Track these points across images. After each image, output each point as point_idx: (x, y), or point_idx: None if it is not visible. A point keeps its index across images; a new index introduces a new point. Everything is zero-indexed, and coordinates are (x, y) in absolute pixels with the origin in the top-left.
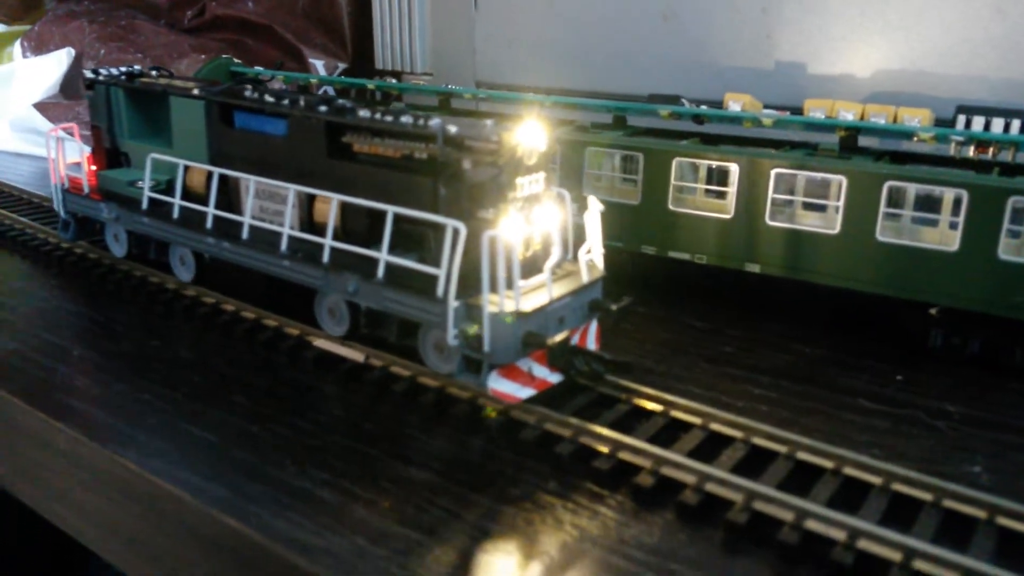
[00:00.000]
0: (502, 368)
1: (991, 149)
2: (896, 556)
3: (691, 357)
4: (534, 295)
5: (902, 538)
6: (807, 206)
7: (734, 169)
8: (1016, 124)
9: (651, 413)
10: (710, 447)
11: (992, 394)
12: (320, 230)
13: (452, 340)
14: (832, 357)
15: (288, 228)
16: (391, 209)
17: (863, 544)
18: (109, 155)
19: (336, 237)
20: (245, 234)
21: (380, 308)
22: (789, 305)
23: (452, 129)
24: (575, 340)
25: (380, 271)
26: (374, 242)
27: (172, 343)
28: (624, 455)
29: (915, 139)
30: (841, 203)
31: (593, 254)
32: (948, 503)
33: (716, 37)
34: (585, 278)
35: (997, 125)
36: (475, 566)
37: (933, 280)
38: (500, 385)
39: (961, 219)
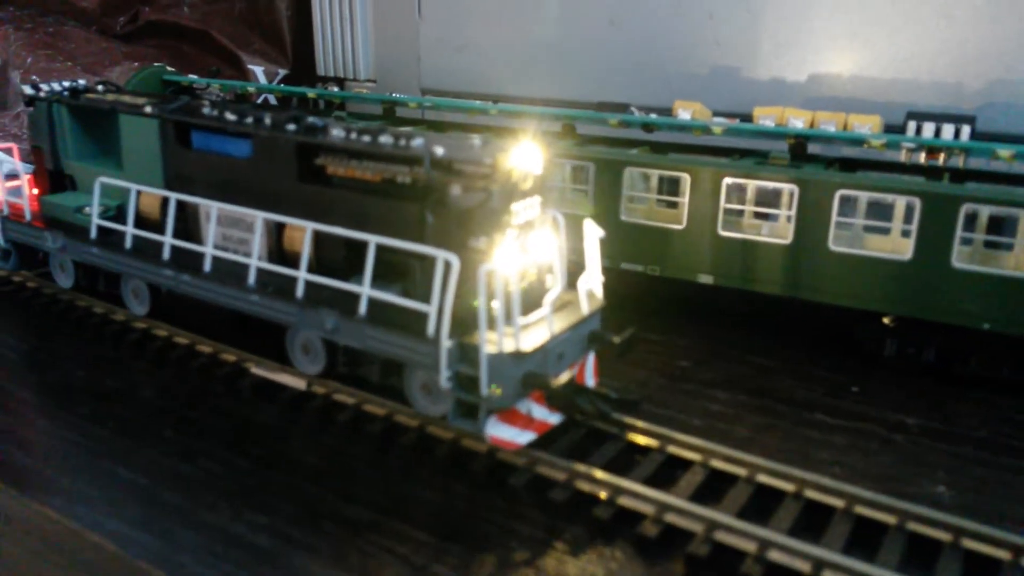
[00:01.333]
0: (501, 412)
1: (941, 155)
2: None
3: (648, 372)
4: (533, 331)
5: (868, 568)
6: (759, 216)
7: (686, 179)
8: (966, 130)
9: (608, 436)
10: (667, 472)
11: (948, 404)
12: (291, 260)
13: (445, 383)
14: (787, 369)
15: (256, 259)
16: (373, 239)
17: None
18: (52, 178)
19: (310, 268)
20: (207, 266)
21: (362, 347)
22: (743, 316)
23: (439, 151)
24: (573, 376)
25: (362, 307)
26: (352, 274)
27: (98, 373)
28: (582, 484)
29: (865, 146)
30: (793, 212)
31: (592, 282)
32: (913, 526)
33: (664, 43)
34: (585, 309)
35: (947, 131)
36: None
37: (887, 289)
38: (499, 431)
39: (914, 227)
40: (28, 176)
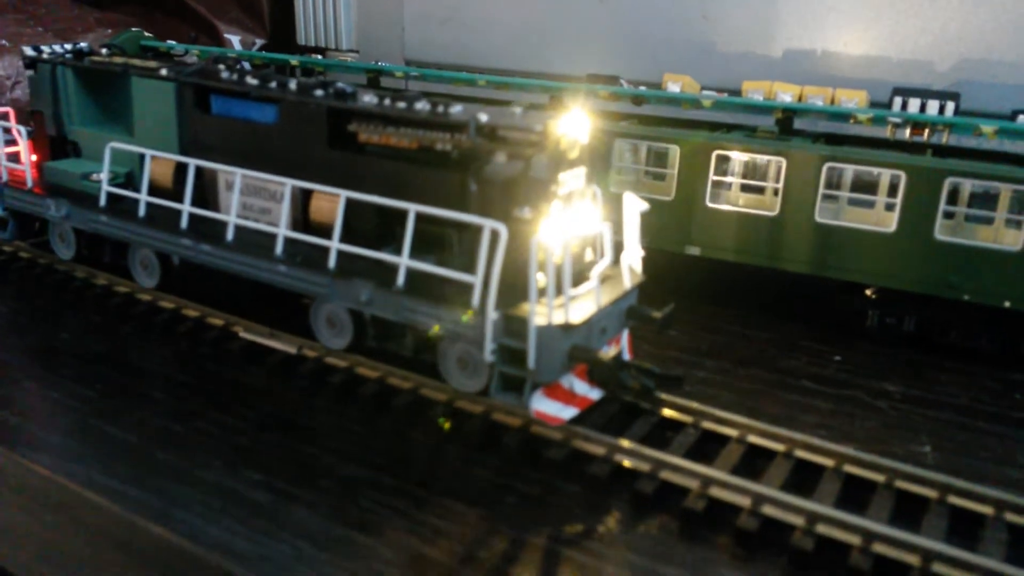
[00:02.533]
0: (546, 386)
1: (926, 130)
2: (856, 540)
3: (638, 340)
4: (579, 304)
5: (862, 521)
6: (746, 188)
7: (674, 151)
8: (951, 106)
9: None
10: (660, 433)
11: (928, 372)
12: (316, 230)
13: (489, 356)
14: (771, 338)
15: (284, 228)
16: (413, 208)
17: (822, 528)
18: (54, 144)
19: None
20: (230, 235)
21: (398, 319)
22: (727, 287)
23: (483, 117)
24: (621, 350)
25: (400, 278)
26: (383, 244)
27: (82, 336)
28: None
29: (852, 120)
30: (780, 185)
31: (633, 257)
32: (901, 484)
33: (652, 16)
34: (627, 283)
35: (932, 107)
36: (426, 566)
37: (871, 261)
38: (543, 406)
39: (899, 200)
40: (27, 141)
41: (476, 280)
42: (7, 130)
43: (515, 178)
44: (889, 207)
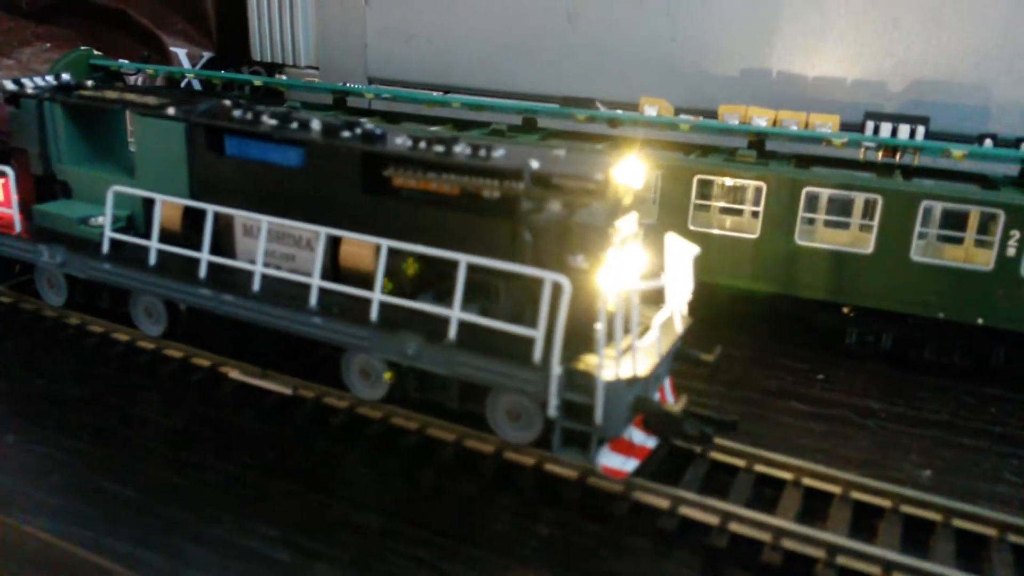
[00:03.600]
0: (612, 441)
1: (898, 154)
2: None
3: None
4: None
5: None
6: (727, 211)
7: (657, 175)
8: (921, 130)
9: None
10: (666, 464)
11: (907, 388)
12: (347, 278)
13: (554, 412)
14: (755, 358)
15: (318, 278)
16: (464, 258)
17: (842, 560)
18: (39, 184)
19: (371, 286)
20: (256, 285)
21: (449, 373)
22: (706, 308)
23: (535, 164)
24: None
25: (452, 331)
26: (418, 291)
27: (60, 381)
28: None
29: (824, 143)
30: (761, 208)
31: (681, 299)
32: (906, 508)
33: (622, 37)
34: (679, 328)
35: (903, 131)
36: None
37: (850, 281)
38: (609, 460)
39: (876, 223)
40: (14, 183)
41: (538, 334)
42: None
43: (571, 227)
44: (864, 228)
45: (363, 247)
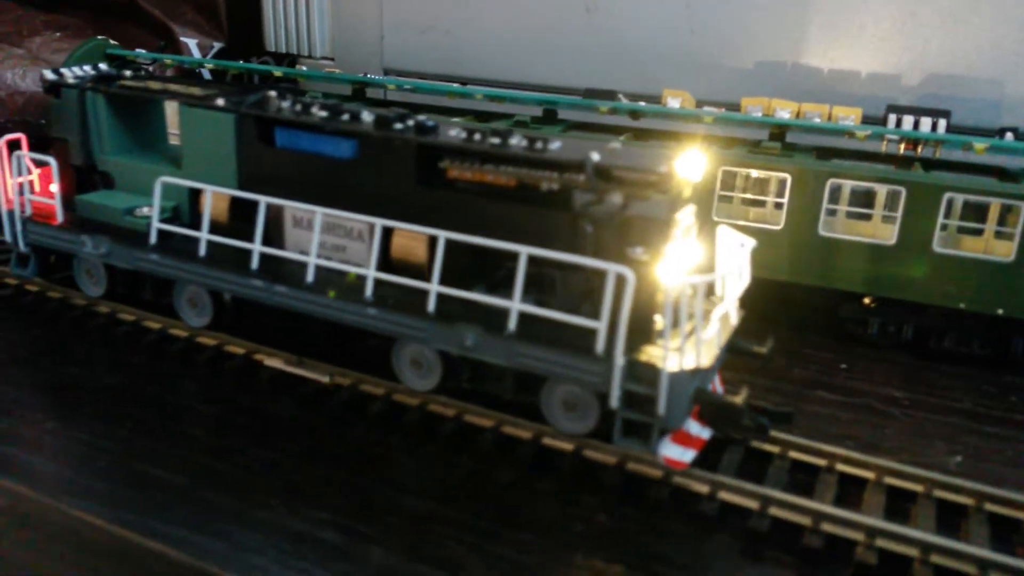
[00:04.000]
0: (673, 432)
1: (919, 146)
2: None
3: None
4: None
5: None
6: (751, 202)
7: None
8: (942, 123)
9: None
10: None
11: (928, 377)
12: (399, 269)
13: (615, 402)
14: (778, 348)
15: (373, 270)
16: (525, 250)
17: (881, 543)
18: (79, 175)
19: (426, 278)
20: (310, 277)
21: (509, 365)
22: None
23: (596, 156)
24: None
25: (512, 323)
26: (471, 282)
27: (95, 369)
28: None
29: (847, 136)
30: (785, 199)
31: (734, 291)
32: (939, 493)
33: (640, 28)
34: (734, 320)
35: (925, 124)
36: None
37: (873, 272)
38: (670, 451)
39: (899, 214)
40: (40, 171)
41: (601, 325)
42: (35, 162)
43: (632, 219)
44: (886, 220)
45: (415, 238)
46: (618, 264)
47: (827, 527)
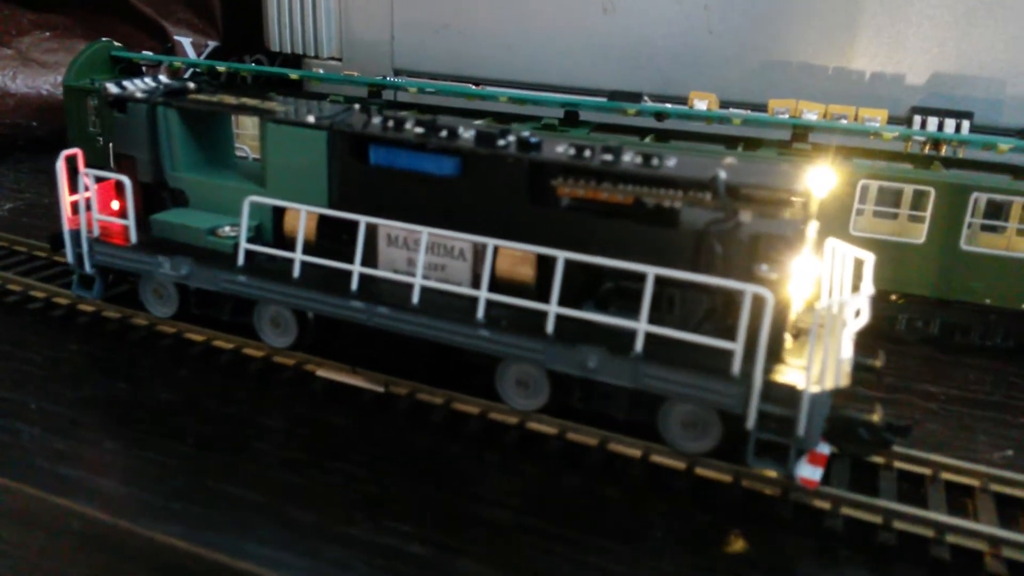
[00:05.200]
0: (810, 452)
1: (942, 147)
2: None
3: None
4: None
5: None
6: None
7: None
8: (966, 124)
9: None
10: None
11: (956, 371)
12: (502, 288)
13: (752, 424)
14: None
15: (485, 290)
16: (652, 270)
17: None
18: (147, 192)
19: (528, 296)
20: (416, 298)
21: (635, 386)
22: None
23: (724, 174)
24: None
25: (639, 344)
26: (580, 301)
27: (143, 384)
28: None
29: (872, 136)
30: (928, 213)
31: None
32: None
33: (657, 28)
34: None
35: (949, 125)
36: None
37: (901, 269)
38: (805, 471)
39: (928, 213)
40: (97, 188)
41: (737, 347)
42: (100, 180)
43: (761, 237)
44: (913, 219)
45: (521, 256)
46: (749, 283)
47: (899, 525)
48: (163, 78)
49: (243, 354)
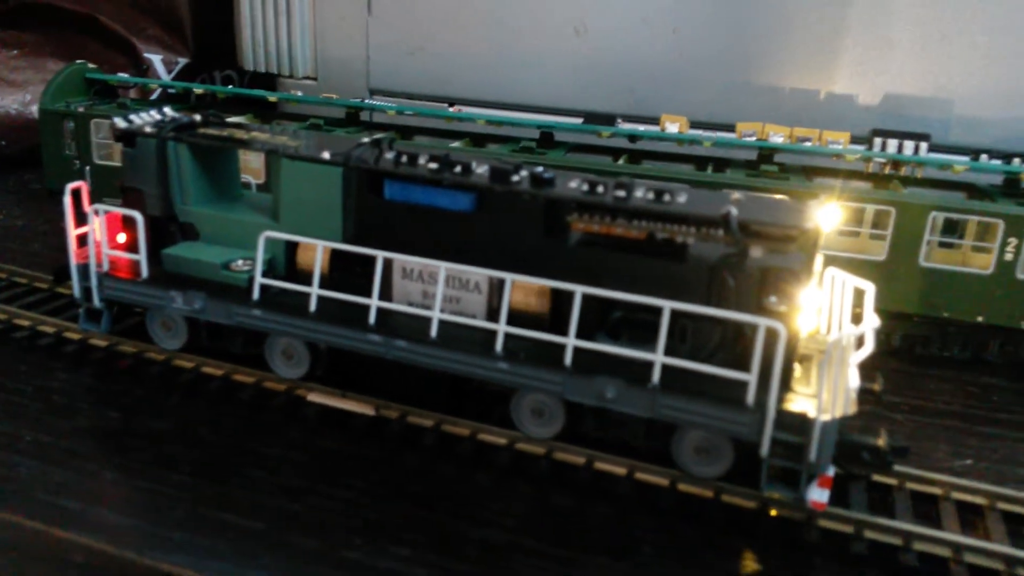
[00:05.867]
0: (820, 476)
1: (902, 168)
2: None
3: None
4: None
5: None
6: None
7: None
8: (924, 145)
9: None
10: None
11: (916, 382)
12: (516, 320)
13: (766, 452)
14: None
15: (504, 324)
16: (668, 304)
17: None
18: (155, 226)
19: (541, 327)
20: (434, 332)
21: (652, 416)
22: None
23: (733, 211)
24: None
25: (656, 375)
26: (592, 333)
27: (135, 413)
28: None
29: (834, 158)
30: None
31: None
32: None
33: (628, 50)
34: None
35: (908, 147)
36: None
37: (973, 299)
38: (816, 495)
39: (889, 232)
40: (99, 221)
41: (752, 378)
42: (110, 215)
43: (770, 271)
44: (874, 237)
45: (538, 290)
46: (761, 316)
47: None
48: (168, 110)
49: (233, 380)
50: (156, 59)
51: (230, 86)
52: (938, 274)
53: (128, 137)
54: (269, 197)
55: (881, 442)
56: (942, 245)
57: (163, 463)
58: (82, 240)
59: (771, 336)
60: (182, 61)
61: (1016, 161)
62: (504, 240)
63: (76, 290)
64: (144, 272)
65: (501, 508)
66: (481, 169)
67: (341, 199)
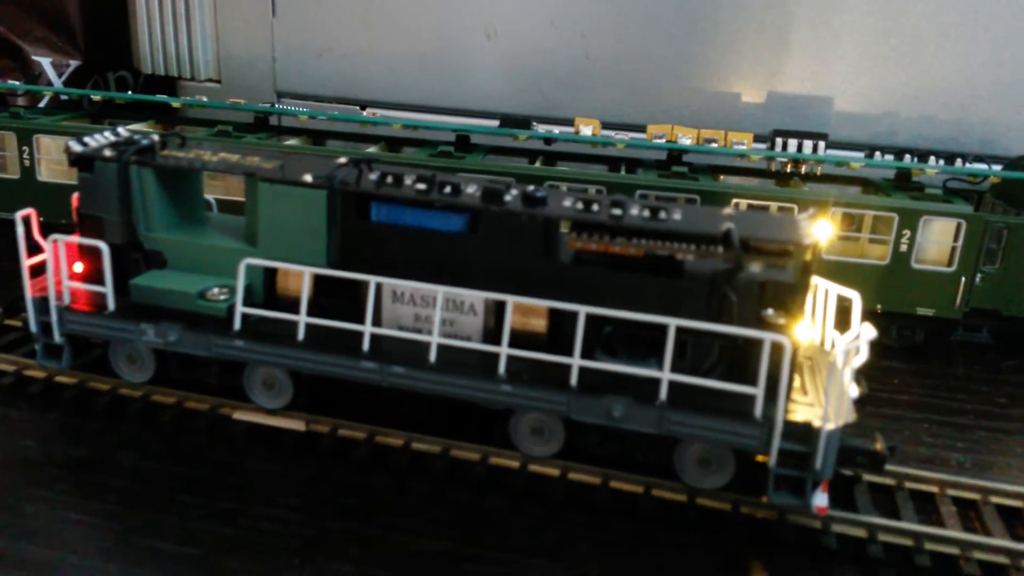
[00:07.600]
0: (824, 483)
1: (802, 166)
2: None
3: None
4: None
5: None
6: None
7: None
8: (822, 144)
9: None
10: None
11: (900, 376)
12: (514, 339)
13: (773, 461)
14: None
15: (506, 346)
16: (673, 322)
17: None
18: (118, 254)
19: (539, 347)
20: (433, 356)
21: (660, 433)
22: None
23: (733, 227)
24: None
25: (663, 392)
26: (593, 350)
27: (51, 440)
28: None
29: (740, 159)
30: None
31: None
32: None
33: (538, 54)
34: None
35: (807, 146)
36: None
37: (872, 288)
38: (819, 500)
39: (892, 237)
40: (50, 250)
41: (759, 391)
42: (68, 244)
43: (768, 284)
44: (873, 242)
45: (533, 309)
46: (762, 330)
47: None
48: (122, 130)
49: (152, 402)
50: (45, 62)
51: (128, 91)
52: (839, 266)
53: (85, 161)
54: (236, 219)
55: (879, 446)
56: (842, 239)
57: (88, 494)
58: (34, 270)
59: (776, 349)
60: (73, 63)
61: (907, 157)
62: (500, 260)
63: (32, 325)
64: (111, 305)
65: (439, 516)
66: (471, 189)
67: (325, 223)
